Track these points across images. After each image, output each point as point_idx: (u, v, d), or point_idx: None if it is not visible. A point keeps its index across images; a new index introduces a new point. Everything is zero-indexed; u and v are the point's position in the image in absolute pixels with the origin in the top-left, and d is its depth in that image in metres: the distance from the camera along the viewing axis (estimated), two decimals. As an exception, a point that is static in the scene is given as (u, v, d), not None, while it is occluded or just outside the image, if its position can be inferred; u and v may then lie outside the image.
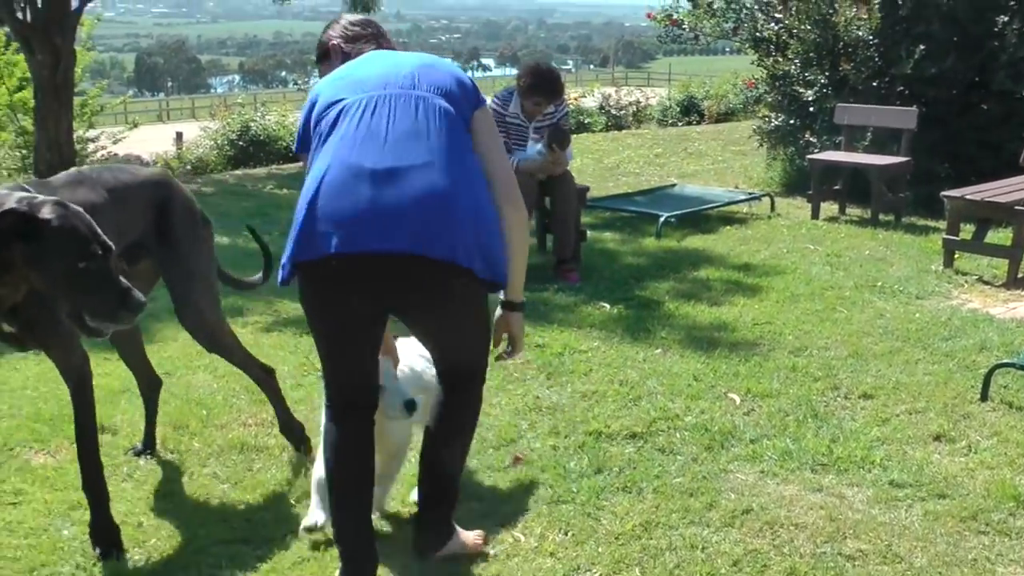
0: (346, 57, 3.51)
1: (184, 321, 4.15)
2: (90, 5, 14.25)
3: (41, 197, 3.25)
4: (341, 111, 3.15)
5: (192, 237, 4.11)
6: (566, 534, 3.68)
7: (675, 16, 12.60)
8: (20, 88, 15.67)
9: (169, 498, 4.06)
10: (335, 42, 3.60)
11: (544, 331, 5.93)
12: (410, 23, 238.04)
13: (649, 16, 13.05)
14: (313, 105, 3.25)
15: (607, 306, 6.50)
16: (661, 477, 4.11)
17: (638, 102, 22.27)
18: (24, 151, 15.13)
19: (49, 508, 3.94)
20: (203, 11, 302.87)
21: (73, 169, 4.04)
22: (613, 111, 21.30)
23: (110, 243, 3.24)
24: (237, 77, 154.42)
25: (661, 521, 3.76)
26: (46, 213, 3.15)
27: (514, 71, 7.17)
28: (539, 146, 7.03)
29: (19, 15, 13.26)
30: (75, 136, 14.50)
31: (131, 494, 4.05)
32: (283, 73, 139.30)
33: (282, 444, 4.43)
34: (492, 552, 3.55)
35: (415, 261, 2.99)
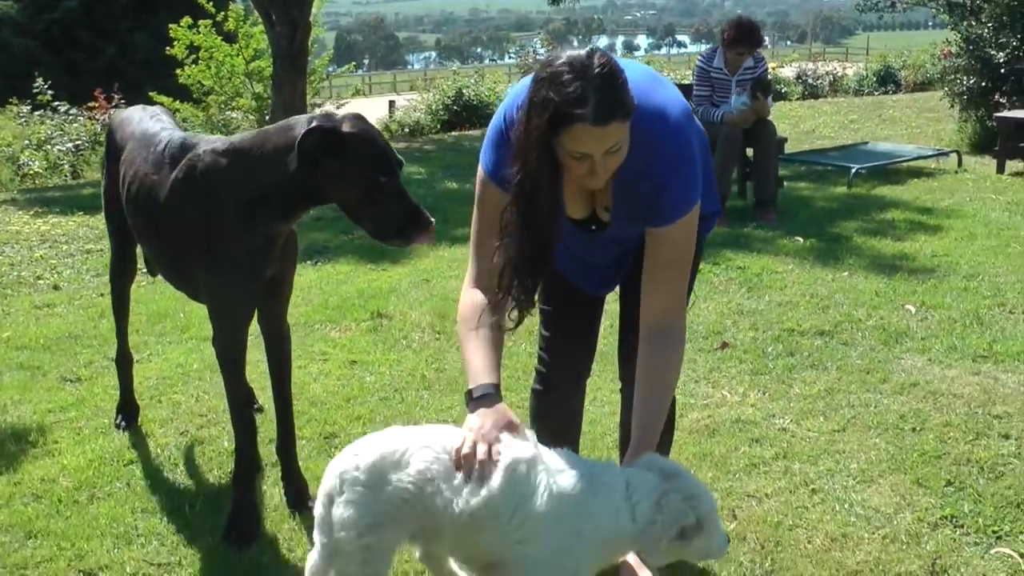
0: None
1: None
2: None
3: (339, 114, 3.20)
4: None
5: None
6: (764, 394, 4.62)
7: (873, -17, 13.01)
8: (254, 58, 17.26)
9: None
10: None
11: (744, 257, 6.81)
12: (605, 0, 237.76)
13: (848, -16, 13.51)
14: None
15: (800, 239, 7.33)
16: (843, 360, 4.99)
17: (835, 72, 22.69)
18: (258, 115, 16.61)
19: (350, 363, 5.16)
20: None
21: None
22: (810, 81, 21.78)
23: (401, 159, 3.16)
24: (433, 54, 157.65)
25: (842, 388, 4.66)
26: (347, 127, 3.07)
27: (709, 47, 7.68)
28: (743, 98, 7.88)
29: (262, -10, 14.85)
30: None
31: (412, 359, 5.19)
32: (479, 49, 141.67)
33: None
34: (704, 403, 4.50)
35: None
